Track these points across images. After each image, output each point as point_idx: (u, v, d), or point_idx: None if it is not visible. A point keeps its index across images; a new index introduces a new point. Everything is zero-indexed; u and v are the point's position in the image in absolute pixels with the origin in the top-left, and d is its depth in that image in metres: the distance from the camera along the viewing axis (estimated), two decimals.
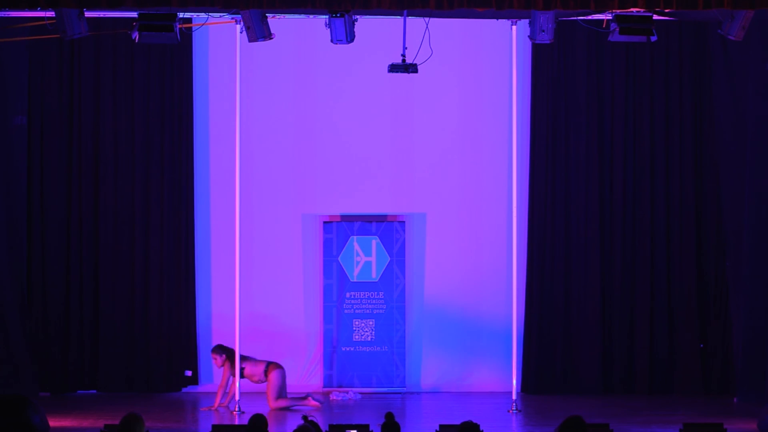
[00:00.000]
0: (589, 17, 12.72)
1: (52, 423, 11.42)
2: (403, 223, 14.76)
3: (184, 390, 14.63)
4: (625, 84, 14.89)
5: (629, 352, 14.78)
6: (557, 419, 7.90)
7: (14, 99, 14.25)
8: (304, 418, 7.81)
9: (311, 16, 12.91)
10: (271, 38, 12.30)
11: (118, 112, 14.64)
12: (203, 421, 13.26)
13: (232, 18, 12.71)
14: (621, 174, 14.86)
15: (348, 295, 14.62)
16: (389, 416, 9.62)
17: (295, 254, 14.85)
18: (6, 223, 14.16)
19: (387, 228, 14.68)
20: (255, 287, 14.64)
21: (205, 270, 14.78)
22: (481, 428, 8.55)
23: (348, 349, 14.50)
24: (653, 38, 12.13)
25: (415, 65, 12.46)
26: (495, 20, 13.44)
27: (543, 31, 12.24)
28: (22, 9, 11.98)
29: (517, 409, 13.28)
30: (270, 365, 13.52)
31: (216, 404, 13.42)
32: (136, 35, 11.95)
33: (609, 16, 12.27)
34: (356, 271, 14.64)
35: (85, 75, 14.62)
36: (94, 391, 14.60)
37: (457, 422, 8.35)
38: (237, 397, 13.22)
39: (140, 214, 14.60)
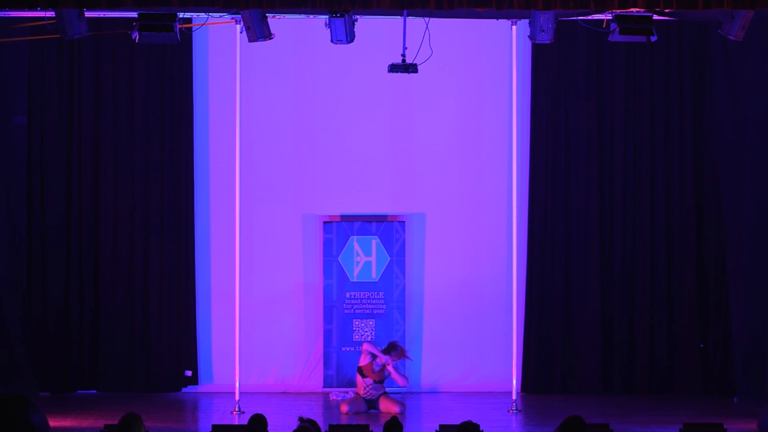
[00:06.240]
0: (589, 17, 12.73)
1: (52, 423, 11.43)
2: (403, 223, 14.76)
3: (184, 390, 14.63)
4: (625, 84, 14.89)
5: (629, 352, 14.78)
6: (557, 419, 7.91)
7: (14, 99, 14.25)
8: (301, 419, 7.80)
9: (311, 16, 12.92)
10: (271, 38, 12.30)
11: (118, 112, 14.64)
12: (203, 421, 13.27)
13: (232, 18, 12.72)
14: (621, 174, 14.86)
15: (348, 295, 14.62)
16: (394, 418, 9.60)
17: (295, 254, 14.85)
18: (6, 223, 14.17)
19: (387, 228, 14.68)
20: (255, 287, 14.64)
21: (205, 270, 14.78)
22: (481, 428, 8.55)
23: (348, 349, 14.50)
24: (653, 38, 12.14)
25: (415, 65, 12.46)
26: (495, 20, 13.45)
27: (543, 31, 12.25)
28: (22, 9, 11.98)
29: (517, 409, 13.29)
30: (384, 393, 13.56)
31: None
32: (136, 35, 11.95)
33: (609, 16, 12.27)
34: (356, 271, 14.64)
35: (85, 75, 14.62)
36: (94, 391, 14.59)
37: (457, 422, 8.35)
38: (237, 397, 13.22)
39: (140, 214, 14.60)
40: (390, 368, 13.38)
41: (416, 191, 14.94)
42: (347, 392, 14.05)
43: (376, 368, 13.43)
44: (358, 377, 13.50)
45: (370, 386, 13.40)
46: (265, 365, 14.70)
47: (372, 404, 13.40)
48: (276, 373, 14.74)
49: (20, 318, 14.18)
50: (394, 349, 13.44)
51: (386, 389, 13.57)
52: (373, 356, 13.45)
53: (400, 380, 13.48)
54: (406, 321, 14.69)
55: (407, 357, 13.63)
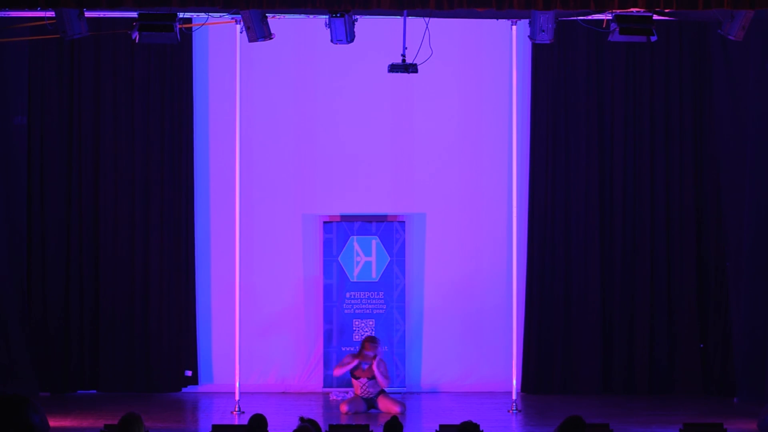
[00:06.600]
0: (589, 17, 12.73)
1: (52, 423, 11.43)
2: (403, 223, 14.76)
3: (184, 390, 14.63)
4: (625, 84, 14.89)
5: (629, 352, 14.78)
6: (557, 419, 7.91)
7: (14, 99, 14.26)
8: (301, 419, 7.80)
9: (311, 16, 12.92)
10: (271, 38, 12.30)
11: (118, 112, 14.64)
12: (203, 421, 13.28)
13: (232, 18, 12.72)
14: (621, 174, 14.86)
15: (348, 295, 14.62)
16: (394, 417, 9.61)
17: (295, 254, 14.85)
18: (6, 223, 14.17)
19: (387, 228, 14.68)
20: (255, 287, 14.64)
21: (205, 270, 14.78)
22: (481, 428, 8.55)
23: (348, 349, 14.49)
24: (653, 38, 12.14)
25: (415, 65, 12.46)
26: (495, 20, 13.44)
27: (543, 31, 12.25)
28: (22, 9, 11.98)
29: (517, 409, 13.29)
30: (382, 391, 13.50)
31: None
32: (136, 35, 11.96)
33: (609, 16, 12.27)
34: (356, 271, 14.65)
35: (85, 75, 14.62)
36: (94, 391, 14.60)
37: (457, 422, 8.36)
38: (237, 397, 13.23)
39: (140, 214, 14.61)
40: (374, 368, 13.35)
41: (416, 191, 14.94)
42: (347, 392, 14.04)
43: (364, 366, 13.44)
44: (353, 380, 13.51)
45: (366, 384, 13.40)
46: (265, 365, 14.70)
47: (371, 403, 13.40)
48: (276, 373, 14.74)
49: (20, 318, 14.18)
50: (363, 347, 13.45)
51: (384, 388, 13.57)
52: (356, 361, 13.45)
53: (381, 381, 13.41)
54: (406, 321, 14.69)
55: (377, 344, 13.49)
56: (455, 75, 14.90)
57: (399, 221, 14.76)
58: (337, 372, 13.61)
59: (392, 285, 14.65)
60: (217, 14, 12.50)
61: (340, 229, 14.64)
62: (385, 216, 14.84)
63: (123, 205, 14.60)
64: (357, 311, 14.63)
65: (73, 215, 14.56)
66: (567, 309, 14.78)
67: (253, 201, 14.69)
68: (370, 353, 13.38)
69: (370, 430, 10.11)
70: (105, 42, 14.55)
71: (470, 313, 14.87)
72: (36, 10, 11.86)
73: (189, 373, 14.61)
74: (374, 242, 14.65)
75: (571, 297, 14.78)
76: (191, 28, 13.24)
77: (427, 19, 12.48)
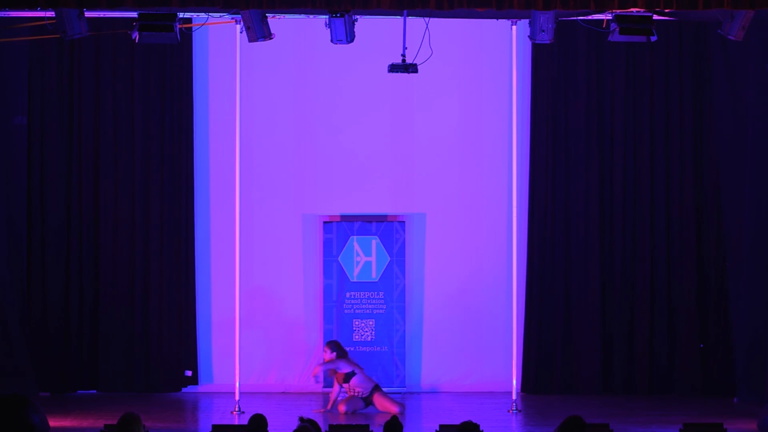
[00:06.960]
0: (589, 17, 12.73)
1: (52, 423, 11.43)
2: (403, 223, 14.76)
3: (184, 390, 14.63)
4: (625, 84, 14.89)
5: (629, 352, 14.78)
6: (557, 419, 7.90)
7: (14, 99, 14.26)
8: (301, 419, 7.80)
9: (311, 16, 12.92)
10: (271, 38, 12.31)
11: (118, 112, 14.64)
12: (203, 421, 13.28)
13: (232, 18, 12.72)
14: (621, 174, 14.86)
15: (348, 295, 14.62)
16: (394, 417, 9.61)
17: (295, 254, 14.85)
18: (6, 223, 14.17)
19: (387, 228, 14.68)
20: (255, 287, 14.64)
21: (205, 269, 14.78)
22: (481, 428, 8.55)
23: (348, 349, 14.45)
24: (653, 38, 12.14)
25: (415, 65, 12.46)
26: (495, 20, 13.45)
27: (543, 31, 12.25)
28: (22, 9, 11.98)
29: (517, 409, 13.29)
30: (377, 387, 13.45)
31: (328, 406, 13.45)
32: (136, 35, 11.96)
33: (609, 16, 12.27)
34: (356, 271, 14.64)
35: (85, 75, 14.62)
36: (94, 391, 14.60)
37: (457, 422, 8.35)
38: (237, 397, 13.22)
39: (140, 214, 14.61)
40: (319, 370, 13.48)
41: (416, 191, 14.94)
42: (346, 392, 14.03)
43: (339, 370, 13.39)
44: (345, 385, 13.45)
45: (355, 385, 13.35)
46: (265, 365, 14.70)
47: (368, 401, 13.36)
48: (276, 373, 14.74)
49: (20, 318, 14.18)
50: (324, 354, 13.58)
51: (378, 383, 13.51)
52: (332, 371, 13.43)
53: (317, 370, 13.51)
54: (406, 321, 14.69)
55: (328, 347, 13.54)
56: (455, 75, 14.90)
57: (399, 221, 14.76)
58: (335, 396, 13.55)
59: (392, 285, 14.65)
60: (217, 14, 12.50)
61: (340, 229, 14.64)
62: (385, 216, 14.84)
63: (123, 205, 14.60)
64: (357, 311, 14.63)
65: (73, 215, 14.56)
66: (567, 309, 14.78)
67: (253, 201, 14.69)
68: (326, 356, 13.41)
69: (370, 430, 10.11)
70: (105, 42, 14.55)
71: (470, 312, 14.87)
72: (36, 10, 11.86)
73: (189, 373, 14.61)
74: (374, 242, 14.65)
75: (571, 297, 14.78)
76: (191, 28, 13.24)
77: (427, 19, 12.48)
